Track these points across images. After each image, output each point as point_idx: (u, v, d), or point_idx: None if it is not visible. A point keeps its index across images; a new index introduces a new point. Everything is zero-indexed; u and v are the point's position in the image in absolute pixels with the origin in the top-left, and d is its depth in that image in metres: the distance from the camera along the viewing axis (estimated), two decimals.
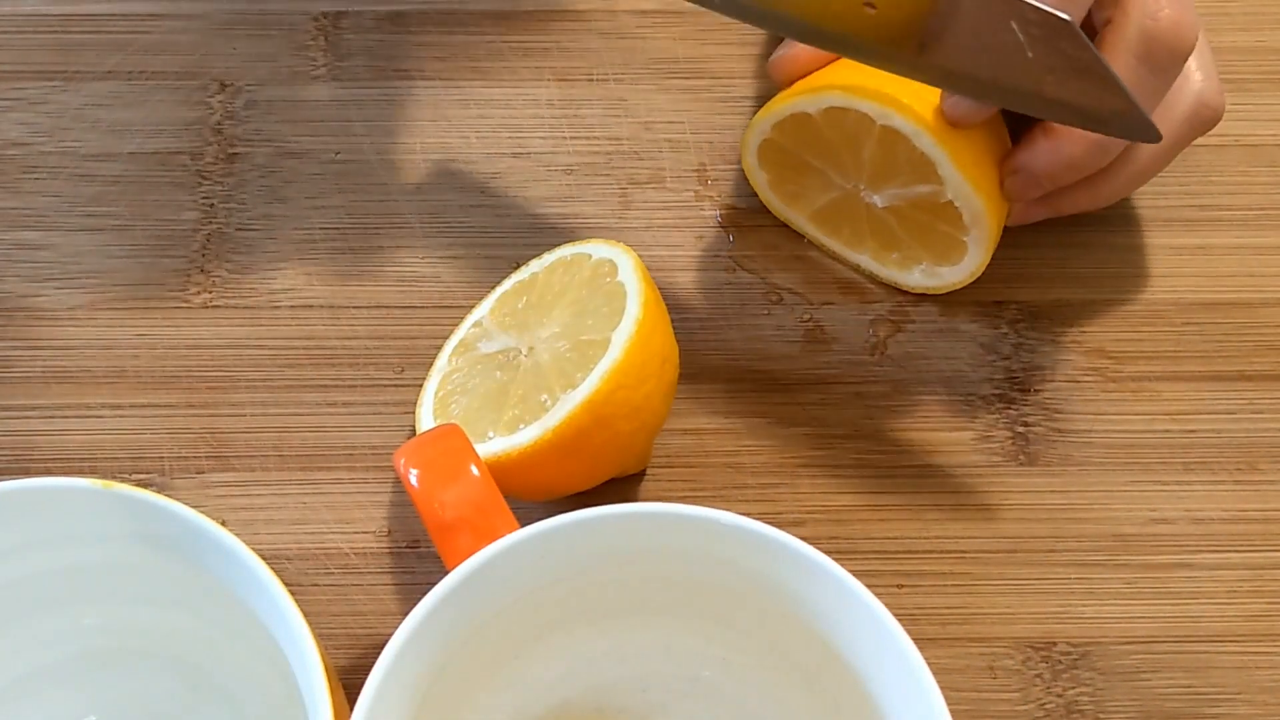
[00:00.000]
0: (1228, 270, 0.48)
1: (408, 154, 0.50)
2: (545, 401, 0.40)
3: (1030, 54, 0.38)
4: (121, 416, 0.45)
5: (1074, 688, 0.42)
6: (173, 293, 0.47)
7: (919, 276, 0.47)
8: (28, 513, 0.34)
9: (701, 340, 0.47)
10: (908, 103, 0.43)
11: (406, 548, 0.43)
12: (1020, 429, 0.46)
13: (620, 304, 0.41)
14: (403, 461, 0.36)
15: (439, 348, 0.45)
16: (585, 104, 0.51)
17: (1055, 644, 0.43)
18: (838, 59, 0.45)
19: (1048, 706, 0.42)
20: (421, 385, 0.44)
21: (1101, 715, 0.42)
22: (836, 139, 0.45)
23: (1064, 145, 0.43)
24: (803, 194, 0.48)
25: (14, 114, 0.50)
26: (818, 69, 0.46)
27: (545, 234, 0.48)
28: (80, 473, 0.44)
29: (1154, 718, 0.42)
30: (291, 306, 0.47)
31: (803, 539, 0.33)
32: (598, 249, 0.43)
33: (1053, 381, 0.46)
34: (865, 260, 0.48)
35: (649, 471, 0.45)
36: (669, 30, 0.52)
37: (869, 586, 0.33)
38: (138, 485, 0.34)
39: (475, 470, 0.36)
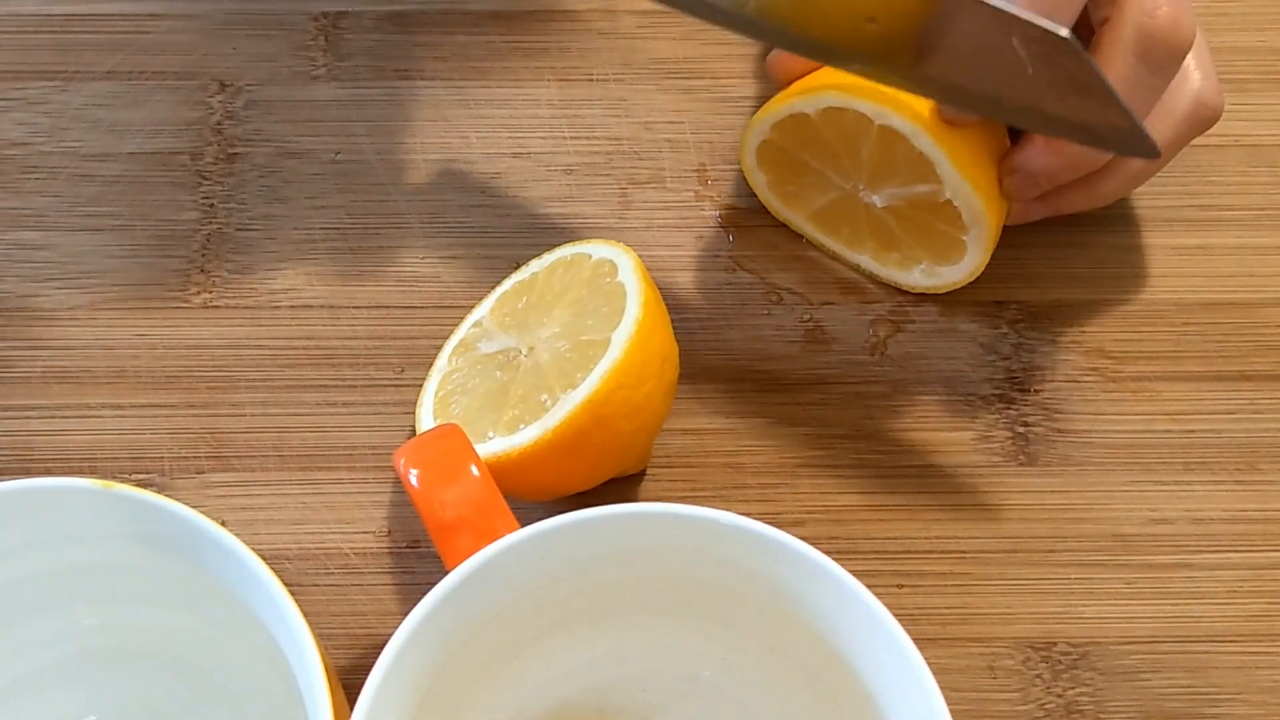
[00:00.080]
0: (1228, 270, 0.48)
1: (408, 154, 0.50)
2: (545, 401, 0.40)
3: (1030, 70, 0.38)
4: (121, 416, 0.45)
5: (1074, 688, 0.42)
6: (173, 293, 0.47)
7: (919, 276, 0.47)
8: (28, 513, 0.34)
9: (701, 340, 0.47)
10: (905, 102, 0.43)
11: (406, 548, 0.43)
12: (1020, 429, 0.46)
13: (620, 304, 0.41)
14: (403, 461, 0.36)
15: (439, 348, 0.45)
16: (585, 104, 0.51)
17: (1055, 644, 0.43)
18: None
19: (1048, 706, 0.42)
20: (421, 385, 0.44)
21: (1101, 715, 0.42)
22: (835, 139, 0.45)
23: (1062, 144, 0.43)
24: (802, 194, 0.48)
25: (14, 114, 0.50)
26: (815, 69, 0.46)
27: (545, 234, 0.48)
28: (80, 473, 0.44)
29: (1154, 718, 0.42)
30: (291, 306, 0.47)
31: (803, 539, 0.33)
32: (598, 249, 0.43)
33: (1053, 381, 0.46)
34: (865, 260, 0.48)
35: (649, 471, 0.45)
36: (669, 30, 0.52)
37: (869, 586, 0.33)
38: (138, 485, 0.34)
39: (475, 470, 0.36)
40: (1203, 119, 0.45)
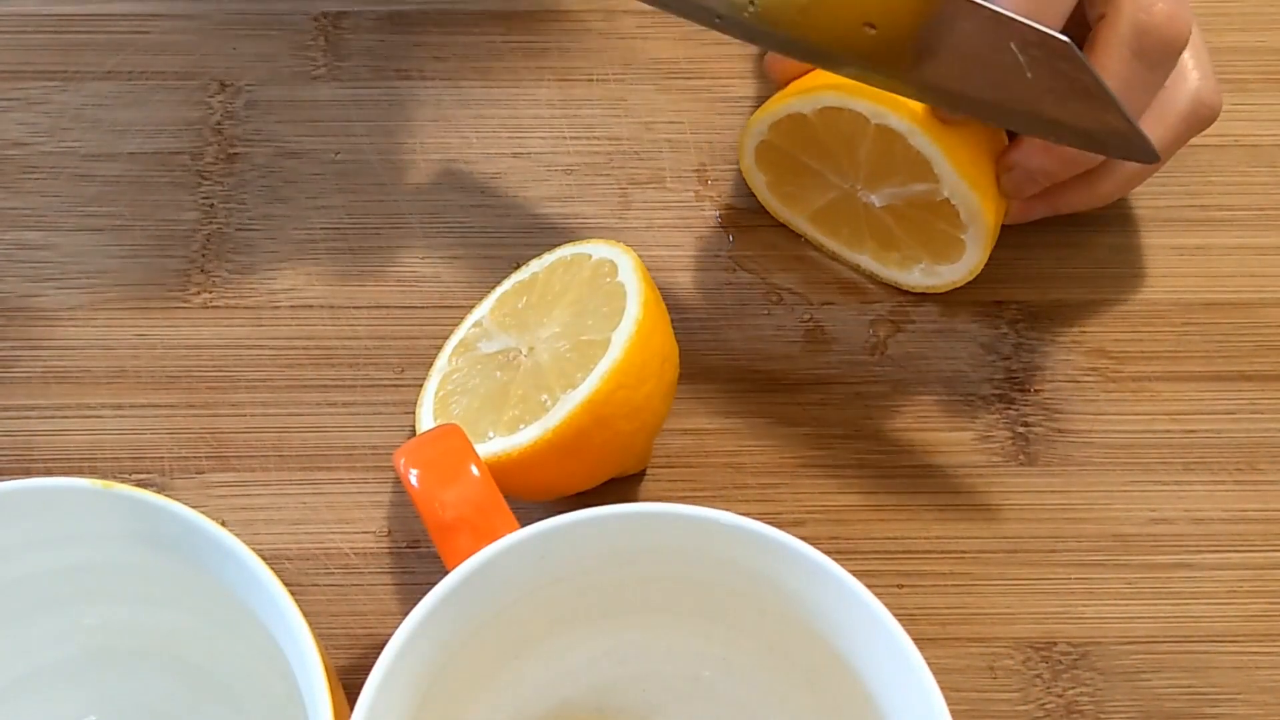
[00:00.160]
0: (1228, 270, 0.48)
1: (408, 154, 0.50)
2: (545, 401, 0.40)
3: (1029, 75, 0.38)
4: (121, 416, 0.45)
5: (1074, 688, 0.42)
6: (173, 293, 0.47)
7: (919, 276, 0.47)
8: (28, 513, 0.34)
9: (701, 340, 0.47)
10: (902, 101, 0.43)
11: (406, 548, 0.43)
12: (1020, 429, 0.46)
13: (620, 304, 0.41)
14: (403, 461, 0.36)
15: (439, 348, 0.45)
16: (585, 104, 0.51)
17: (1055, 644, 0.43)
18: None
19: (1048, 706, 0.42)
20: (421, 385, 0.44)
21: (1101, 715, 0.42)
22: (832, 139, 0.45)
23: None
24: (801, 195, 0.48)
25: (14, 114, 0.50)
26: (813, 69, 0.46)
27: (545, 234, 0.48)
28: (80, 473, 0.44)
29: (1154, 718, 0.42)
30: (291, 306, 0.47)
31: (803, 539, 0.33)
32: (598, 249, 0.43)
33: (1053, 381, 0.46)
34: (865, 260, 0.48)
35: (649, 471, 0.45)
36: (669, 31, 0.52)
37: (869, 586, 0.33)
38: (138, 485, 0.34)
39: (475, 470, 0.36)
40: (1201, 118, 0.45)
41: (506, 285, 0.45)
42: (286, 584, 0.32)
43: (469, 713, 0.37)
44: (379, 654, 0.32)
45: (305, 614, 0.32)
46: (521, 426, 0.40)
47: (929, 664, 0.32)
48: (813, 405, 0.46)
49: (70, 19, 0.52)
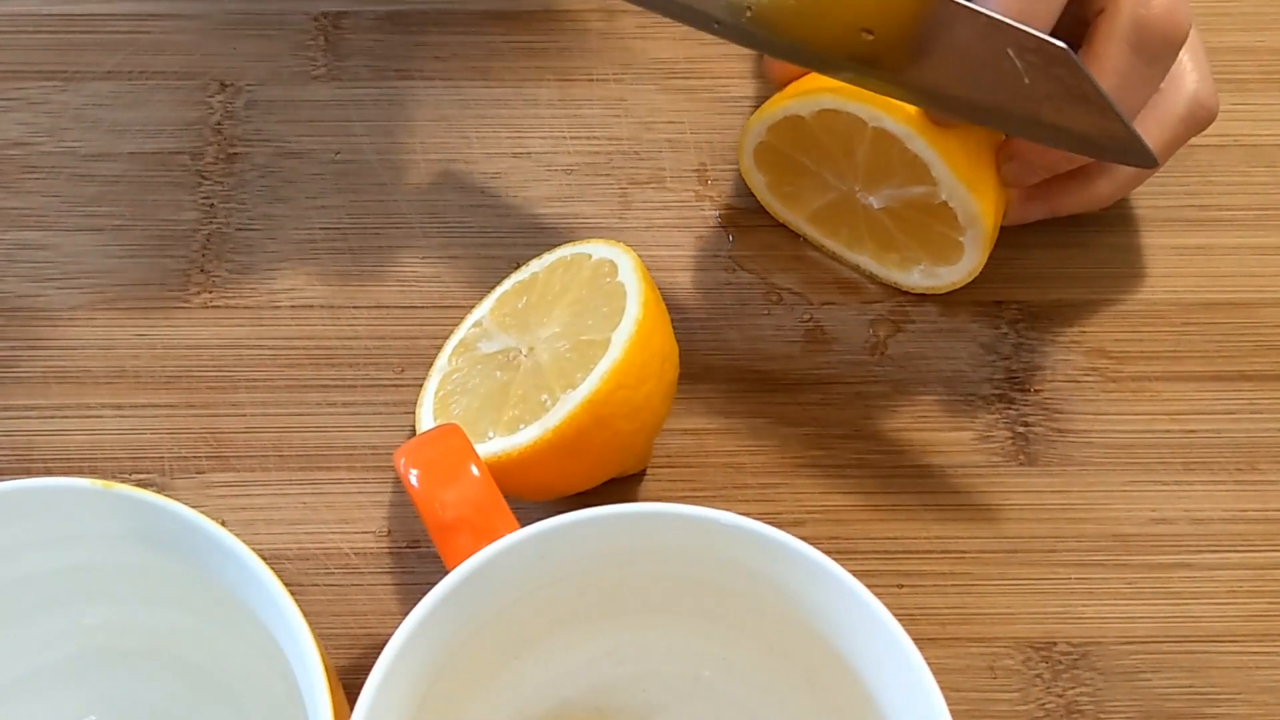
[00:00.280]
0: (1228, 270, 0.48)
1: (408, 154, 0.50)
2: (545, 401, 0.40)
3: (1026, 80, 0.38)
4: (121, 416, 0.45)
5: (1074, 688, 0.42)
6: (173, 293, 0.47)
7: (918, 277, 0.47)
8: (28, 513, 0.34)
9: (701, 340, 0.47)
10: (898, 104, 0.43)
11: (406, 548, 0.43)
12: (1020, 429, 0.46)
13: (620, 304, 0.41)
14: (403, 461, 0.36)
15: (439, 348, 0.45)
16: (585, 104, 0.51)
17: (1055, 644, 0.43)
18: None
19: (1048, 706, 0.42)
20: (421, 385, 0.44)
21: (1101, 715, 0.42)
22: (830, 141, 0.45)
23: None
24: (800, 196, 0.48)
25: (14, 114, 0.50)
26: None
27: (545, 234, 0.48)
28: (80, 473, 0.44)
29: (1154, 718, 0.42)
30: (291, 306, 0.47)
31: (803, 539, 0.33)
32: (598, 249, 0.43)
33: (1053, 381, 0.46)
34: (865, 261, 0.48)
35: (649, 471, 0.45)
36: (669, 31, 0.52)
37: (869, 586, 0.33)
38: (138, 485, 0.34)
39: (475, 470, 0.36)
40: (1199, 120, 0.45)
41: (506, 285, 0.45)
42: (286, 584, 0.32)
43: (469, 713, 0.37)
44: (379, 654, 0.32)
45: (305, 614, 0.32)
46: (521, 426, 0.40)
47: (929, 664, 0.32)
48: (813, 405, 0.46)
49: (70, 19, 0.52)
